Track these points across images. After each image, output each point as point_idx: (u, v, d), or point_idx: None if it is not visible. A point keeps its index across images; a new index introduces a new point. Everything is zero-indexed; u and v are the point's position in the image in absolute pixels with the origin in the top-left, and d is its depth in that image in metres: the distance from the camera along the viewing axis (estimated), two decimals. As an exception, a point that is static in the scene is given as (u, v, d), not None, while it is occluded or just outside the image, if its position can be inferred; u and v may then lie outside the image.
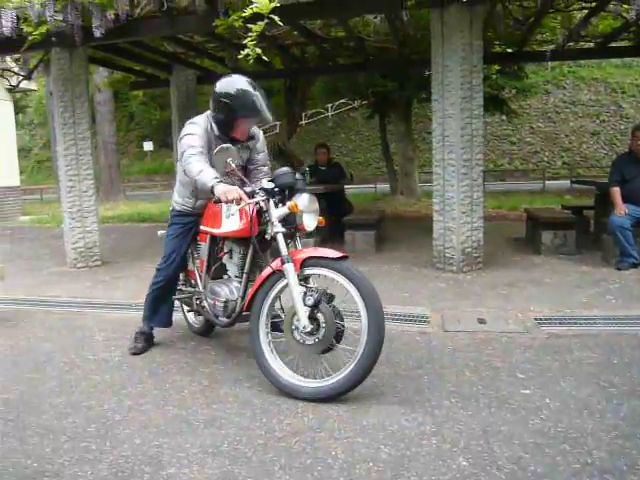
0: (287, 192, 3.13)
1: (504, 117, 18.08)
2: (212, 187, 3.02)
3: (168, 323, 3.87)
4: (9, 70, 8.56)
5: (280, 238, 3.01)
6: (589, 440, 2.43)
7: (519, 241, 7.72)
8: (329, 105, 26.55)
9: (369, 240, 7.02)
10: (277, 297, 3.10)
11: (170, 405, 2.89)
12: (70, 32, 5.87)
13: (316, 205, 3.20)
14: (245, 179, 3.28)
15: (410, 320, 4.28)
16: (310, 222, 3.16)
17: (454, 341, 3.78)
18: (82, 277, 6.36)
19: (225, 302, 3.38)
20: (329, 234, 7.92)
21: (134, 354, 3.69)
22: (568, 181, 16.97)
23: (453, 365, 3.34)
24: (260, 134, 3.68)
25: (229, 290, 3.39)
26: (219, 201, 3.00)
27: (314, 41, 8.22)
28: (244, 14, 4.88)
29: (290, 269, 2.92)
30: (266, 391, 3.01)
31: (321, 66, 10.19)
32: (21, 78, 8.56)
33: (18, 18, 5.74)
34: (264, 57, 5.15)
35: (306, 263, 2.97)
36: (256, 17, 4.93)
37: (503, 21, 7.39)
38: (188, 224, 3.65)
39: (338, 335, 2.89)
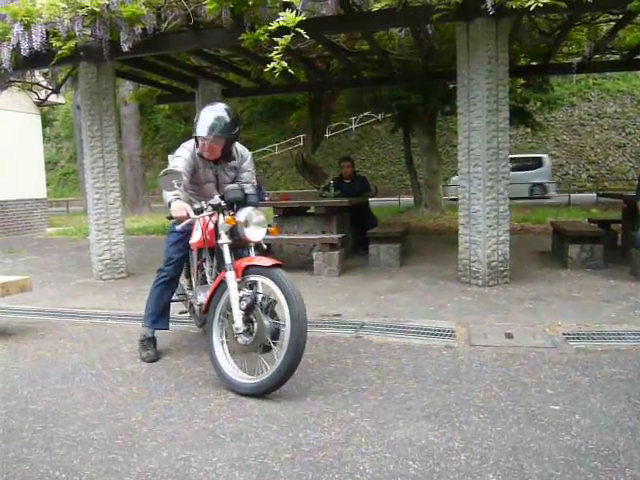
0: (235, 206, 3.42)
1: (529, 130, 17.92)
2: (169, 203, 3.36)
3: (167, 326, 4.07)
4: (38, 84, 8.72)
5: (225, 248, 3.32)
6: (621, 458, 2.37)
7: (545, 254, 7.63)
8: (353, 118, 26.68)
9: (394, 253, 6.98)
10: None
11: (197, 418, 2.89)
12: (98, 46, 5.98)
13: (260, 218, 3.42)
14: (192, 198, 3.58)
15: (436, 334, 4.23)
16: (254, 234, 3.39)
17: (481, 356, 3.73)
18: (108, 289, 6.42)
19: (200, 305, 3.78)
20: (353, 247, 7.91)
21: (150, 362, 3.82)
22: (594, 194, 16.79)
23: (480, 380, 3.29)
24: (247, 155, 3.94)
25: (204, 295, 3.66)
26: (170, 218, 3.40)
27: (338, 55, 8.26)
28: (270, 28, 4.94)
29: (230, 276, 3.22)
30: (292, 405, 3.00)
31: (345, 79, 10.22)
32: (49, 92, 8.72)
33: (47, 33, 5.86)
34: (290, 70, 5.18)
35: (247, 271, 3.25)
36: (282, 31, 4.99)
37: (529, 34, 7.37)
38: (183, 232, 3.82)
39: (275, 335, 3.16)
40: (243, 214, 3.36)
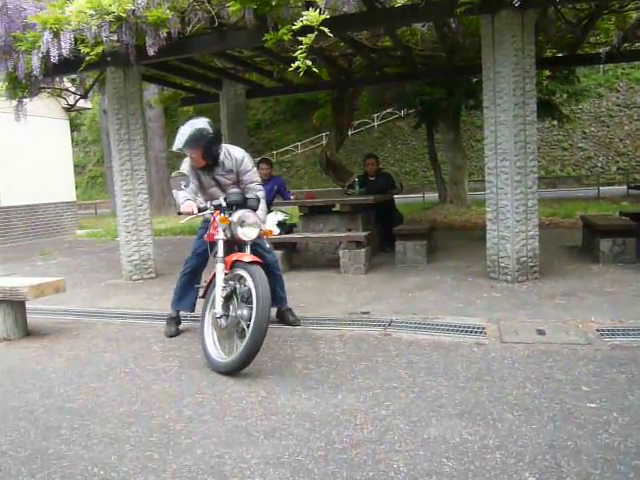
0: (235, 207, 3.88)
1: (555, 123, 17.66)
2: (181, 203, 3.95)
3: (192, 308, 4.57)
4: (67, 90, 8.87)
5: (219, 243, 3.82)
6: (663, 457, 2.32)
7: (575, 249, 7.51)
8: (375, 115, 26.58)
9: (420, 250, 6.94)
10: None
11: (230, 415, 2.92)
12: (124, 51, 6.05)
13: (253, 219, 3.88)
14: (197, 197, 4.09)
15: (465, 331, 4.20)
16: (246, 233, 3.84)
17: (513, 352, 3.69)
18: (138, 289, 6.51)
19: None
20: (379, 244, 7.89)
21: (170, 337, 4.47)
22: (624, 187, 16.47)
23: (513, 377, 3.26)
24: (241, 156, 4.26)
25: None
26: (180, 213, 3.94)
27: (361, 52, 8.24)
28: (294, 27, 4.95)
29: (219, 268, 3.73)
30: (324, 403, 3.01)
31: (368, 76, 10.18)
32: (78, 97, 8.86)
33: (75, 40, 5.95)
34: (314, 69, 5.18)
35: (235, 265, 3.71)
36: (306, 30, 4.99)
37: (555, 24, 7.25)
38: (209, 228, 4.22)
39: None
40: (237, 215, 3.82)
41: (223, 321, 3.64)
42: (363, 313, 4.85)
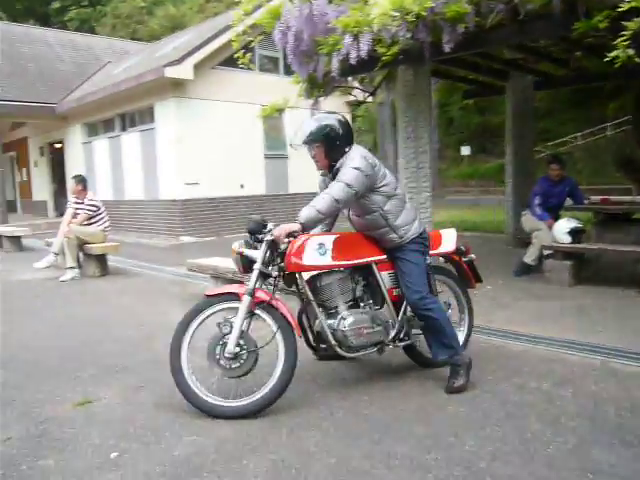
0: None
1: None
2: None
3: None
4: (356, 87, 9.32)
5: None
6: None
7: None
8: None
9: None
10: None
11: (537, 462, 2.58)
12: (417, 49, 6.01)
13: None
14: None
15: None
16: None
17: None
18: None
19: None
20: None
21: None
22: None
23: None
24: (348, 156, 3.45)
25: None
26: None
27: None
28: (620, 9, 4.34)
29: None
30: None
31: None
32: (367, 94, 9.25)
33: (373, 41, 6.09)
34: (636, 59, 4.49)
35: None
36: (629, 14, 4.35)
37: None
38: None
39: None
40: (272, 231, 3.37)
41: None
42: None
